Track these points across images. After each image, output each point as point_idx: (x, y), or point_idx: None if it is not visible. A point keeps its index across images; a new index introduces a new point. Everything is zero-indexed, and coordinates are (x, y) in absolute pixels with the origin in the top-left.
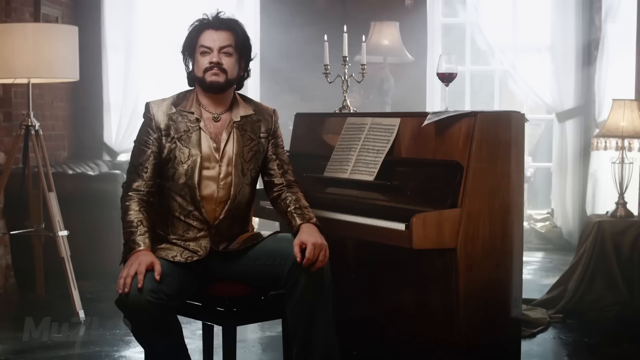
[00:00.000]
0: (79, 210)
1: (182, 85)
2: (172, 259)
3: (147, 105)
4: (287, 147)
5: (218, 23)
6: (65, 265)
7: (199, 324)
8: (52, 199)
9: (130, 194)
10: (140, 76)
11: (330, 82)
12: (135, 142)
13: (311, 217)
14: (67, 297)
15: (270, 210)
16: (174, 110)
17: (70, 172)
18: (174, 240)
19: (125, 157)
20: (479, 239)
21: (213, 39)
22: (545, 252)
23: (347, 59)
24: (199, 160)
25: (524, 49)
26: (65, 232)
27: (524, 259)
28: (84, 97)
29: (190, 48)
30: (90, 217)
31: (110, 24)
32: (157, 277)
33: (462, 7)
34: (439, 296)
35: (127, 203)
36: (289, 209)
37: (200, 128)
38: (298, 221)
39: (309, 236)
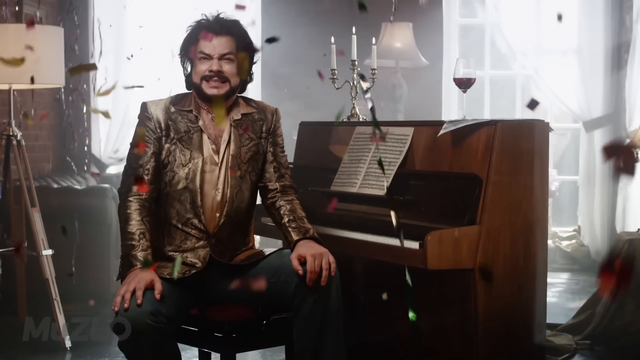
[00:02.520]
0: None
1: (178, 91)
2: (167, 276)
3: (144, 104)
4: (290, 158)
5: (218, 27)
6: (50, 287)
7: (195, 351)
8: (36, 216)
9: (130, 199)
10: (131, 82)
11: (337, 88)
12: (131, 143)
13: (308, 230)
14: (52, 322)
15: (272, 228)
16: (172, 109)
17: (55, 186)
18: (170, 253)
19: (115, 169)
20: (500, 258)
21: (213, 45)
22: (571, 272)
23: (356, 63)
24: (200, 163)
25: (548, 52)
26: (49, 252)
27: (548, 280)
28: (70, 104)
29: (189, 51)
30: (77, 235)
31: (98, 25)
32: (157, 296)
33: (481, 6)
34: (456, 320)
35: (127, 211)
36: (283, 221)
37: (200, 129)
38: (294, 237)
39: (307, 249)
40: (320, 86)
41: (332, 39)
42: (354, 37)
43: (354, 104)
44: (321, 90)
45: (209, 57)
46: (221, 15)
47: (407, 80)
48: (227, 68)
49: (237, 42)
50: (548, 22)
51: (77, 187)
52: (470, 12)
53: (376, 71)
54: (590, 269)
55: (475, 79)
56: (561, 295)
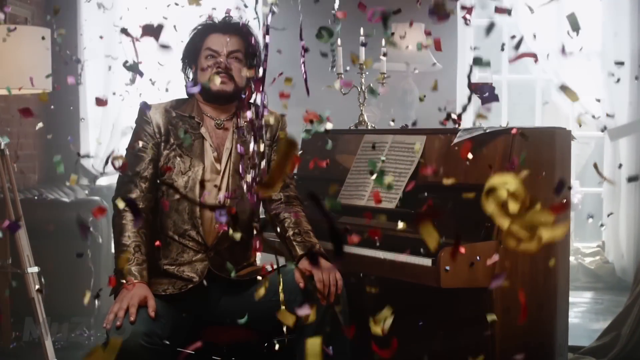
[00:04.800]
0: (51, 243)
1: (174, 97)
2: (163, 293)
3: (143, 108)
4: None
5: (226, 27)
6: (36, 306)
7: None
8: (21, 230)
9: (126, 209)
10: (123, 87)
11: (344, 94)
12: (128, 148)
13: (313, 245)
14: (39, 345)
15: (275, 242)
16: (173, 114)
17: (42, 198)
18: (166, 267)
19: (106, 181)
20: (518, 276)
21: (221, 42)
22: (594, 291)
23: (364, 67)
24: (200, 171)
25: (570, 55)
26: (35, 269)
27: (570, 299)
28: (57, 111)
29: (193, 55)
30: (65, 251)
31: (88, 26)
32: (152, 314)
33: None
34: (472, 342)
35: (122, 221)
36: (287, 234)
37: (202, 135)
38: (299, 251)
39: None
40: (326, 92)
41: (339, 41)
42: (362, 39)
43: (361, 110)
44: (327, 96)
45: (216, 54)
46: (229, 18)
47: (419, 85)
48: (234, 66)
49: (246, 43)
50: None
51: (65, 199)
52: (487, 13)
53: (386, 75)
54: (615, 288)
55: (492, 83)
56: (584, 315)
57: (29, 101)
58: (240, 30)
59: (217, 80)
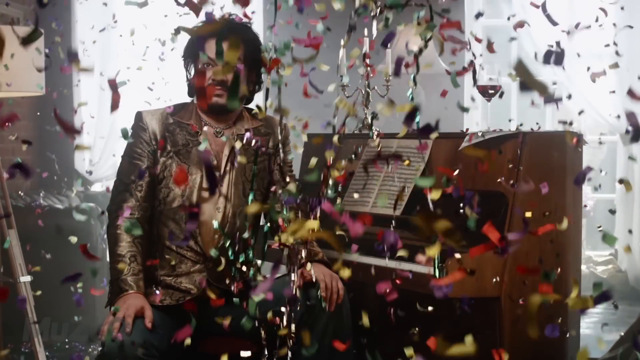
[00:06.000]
0: (45, 251)
1: (170, 101)
2: (160, 304)
3: (139, 114)
4: (295, 174)
5: (225, 32)
6: (29, 316)
7: None
8: (13, 238)
9: (121, 218)
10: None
11: (348, 97)
12: (124, 156)
13: (317, 254)
14: (32, 356)
15: (277, 251)
16: (170, 120)
17: (35, 205)
18: (163, 278)
19: (101, 187)
20: (528, 286)
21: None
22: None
23: (369, 69)
24: (198, 179)
25: (581, 55)
26: (28, 278)
27: None
28: (50, 115)
29: (193, 55)
30: (58, 260)
31: (83, 27)
32: (149, 325)
33: (507, 5)
34: (480, 355)
35: (117, 231)
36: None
37: (200, 142)
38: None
39: (316, 270)
40: (330, 94)
41: (342, 42)
42: (366, 40)
43: (365, 113)
44: (329, 99)
45: (213, 63)
46: (231, 18)
47: (425, 87)
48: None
49: (245, 48)
50: (582, 22)
51: (59, 206)
52: (495, 12)
53: (391, 78)
54: (629, 297)
55: (500, 86)
56: (596, 326)
57: (22, 106)
58: (241, 36)
59: (211, 95)
